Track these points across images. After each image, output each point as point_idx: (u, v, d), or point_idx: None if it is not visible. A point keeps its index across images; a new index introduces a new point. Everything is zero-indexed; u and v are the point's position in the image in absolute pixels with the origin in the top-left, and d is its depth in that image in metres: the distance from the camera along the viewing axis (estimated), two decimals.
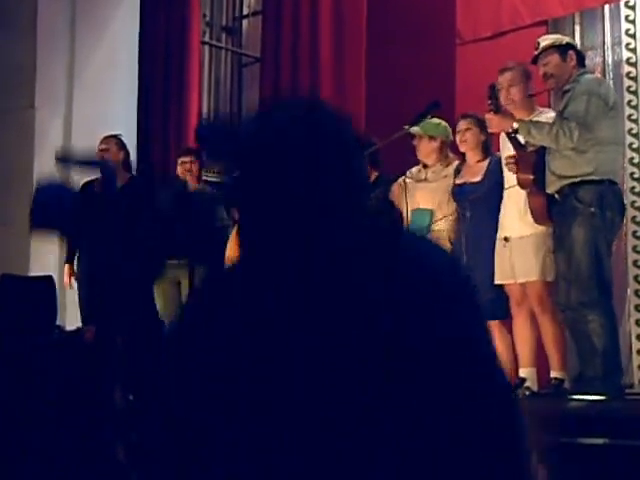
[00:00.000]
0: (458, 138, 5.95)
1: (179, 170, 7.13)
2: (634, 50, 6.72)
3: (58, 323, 3.37)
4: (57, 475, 3.00)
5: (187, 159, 7.08)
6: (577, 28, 7.05)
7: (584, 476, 3.20)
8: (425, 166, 6.14)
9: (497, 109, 5.25)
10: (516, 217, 5.42)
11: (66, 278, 6.83)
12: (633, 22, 6.75)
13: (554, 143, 4.95)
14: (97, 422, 3.12)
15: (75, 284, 6.87)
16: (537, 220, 5.25)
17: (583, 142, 4.89)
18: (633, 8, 6.77)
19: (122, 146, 7.04)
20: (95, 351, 3.19)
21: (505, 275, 5.61)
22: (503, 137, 5.63)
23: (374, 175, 6.45)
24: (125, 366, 3.25)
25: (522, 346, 5.64)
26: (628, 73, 6.71)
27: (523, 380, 5.47)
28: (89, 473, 3.04)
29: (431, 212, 5.96)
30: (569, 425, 3.46)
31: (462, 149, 5.97)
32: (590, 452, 3.27)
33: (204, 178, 8.83)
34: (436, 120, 6.02)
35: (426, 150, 6.11)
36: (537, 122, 5.14)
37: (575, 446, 3.31)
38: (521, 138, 5.18)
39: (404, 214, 6.13)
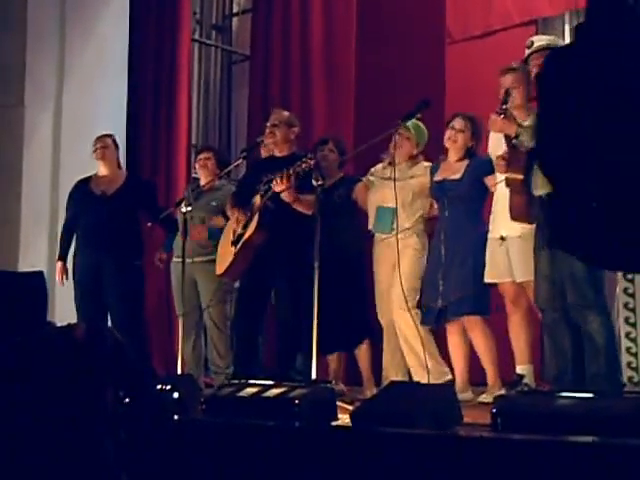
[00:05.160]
0: (448, 134, 5.96)
1: (196, 166, 7.22)
2: None
3: (48, 319, 3.36)
4: (47, 472, 2.99)
5: (203, 156, 7.13)
6: (567, 28, 7.06)
7: (573, 474, 3.21)
8: (390, 163, 6.11)
9: (505, 112, 5.23)
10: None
11: (58, 275, 6.78)
12: None
13: None
14: (88, 419, 3.11)
15: (66, 282, 6.82)
16: (514, 217, 5.23)
17: None
18: None
19: (117, 145, 7.06)
20: (86, 347, 3.18)
21: (501, 274, 5.61)
22: (493, 137, 5.64)
23: (338, 176, 6.50)
24: (117, 363, 3.24)
25: (518, 343, 5.67)
26: None
27: (521, 377, 5.50)
28: (79, 470, 3.04)
29: (394, 210, 5.96)
30: (560, 422, 3.47)
31: (448, 145, 5.98)
32: (579, 450, 3.28)
33: (193, 176, 8.90)
34: (424, 127, 6.07)
35: (407, 152, 6.14)
36: None
37: (565, 444, 3.32)
38: (515, 141, 5.16)
39: (369, 213, 6.20)
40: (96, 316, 6.54)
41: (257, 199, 6.02)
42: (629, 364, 6.28)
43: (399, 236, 5.92)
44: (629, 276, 6.44)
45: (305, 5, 8.55)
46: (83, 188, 6.90)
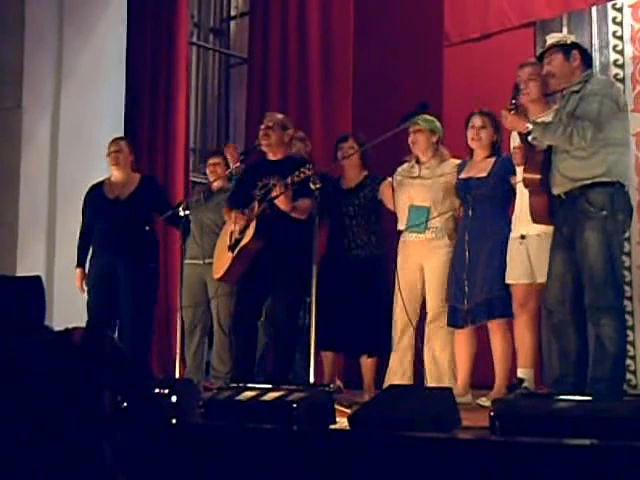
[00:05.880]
0: (471, 134, 5.91)
1: (207, 171, 7.30)
2: (621, 52, 6.74)
3: (47, 323, 3.36)
4: (45, 474, 2.99)
5: (212, 161, 7.25)
6: (565, 30, 7.06)
7: (571, 477, 3.21)
8: (418, 162, 6.13)
9: (516, 108, 5.21)
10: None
11: (78, 282, 6.76)
12: (620, 24, 6.77)
13: (567, 143, 4.89)
14: (85, 422, 3.11)
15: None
16: (536, 220, 5.20)
17: (594, 143, 4.85)
18: (620, 10, 6.79)
19: (132, 148, 7.01)
20: (84, 352, 3.18)
21: (518, 275, 5.57)
22: (514, 135, 5.62)
23: (363, 175, 6.46)
24: (114, 367, 3.24)
25: (522, 347, 5.62)
26: (616, 75, 6.73)
27: (521, 380, 5.48)
28: (77, 473, 3.03)
29: (428, 209, 5.95)
30: (558, 425, 3.47)
31: (473, 146, 5.93)
32: (578, 453, 3.28)
33: (192, 179, 8.93)
34: (430, 117, 6.03)
35: (425, 144, 6.08)
36: (550, 123, 5.09)
37: (563, 447, 3.32)
38: (531, 138, 5.13)
39: (396, 213, 6.13)
40: (107, 321, 6.54)
41: (255, 205, 6.01)
42: (627, 367, 6.28)
43: (430, 236, 5.93)
44: (627, 279, 6.45)
45: (303, 8, 8.55)
46: (97, 193, 6.87)
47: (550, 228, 5.19)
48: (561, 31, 7.02)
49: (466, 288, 5.76)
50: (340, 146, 6.50)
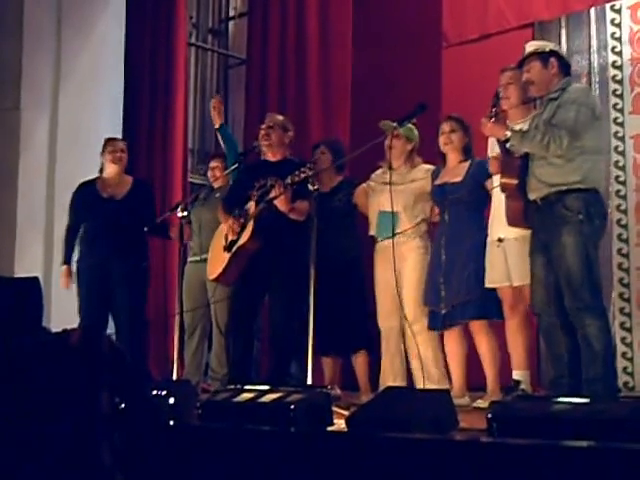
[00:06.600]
0: (442, 140, 5.96)
1: (209, 174, 7.39)
2: (620, 53, 6.74)
3: (44, 325, 3.36)
4: (44, 476, 2.99)
5: (212, 165, 7.35)
6: (563, 32, 7.06)
7: (568, 479, 3.21)
8: (390, 168, 6.14)
9: (495, 116, 5.25)
10: None
11: (64, 280, 6.74)
12: (619, 25, 6.77)
13: (544, 150, 4.95)
14: (83, 424, 3.11)
15: (73, 286, 6.78)
16: (512, 223, 5.25)
17: (570, 150, 4.91)
18: (619, 11, 6.79)
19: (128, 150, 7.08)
20: (82, 353, 3.18)
21: (500, 278, 5.60)
22: (492, 142, 5.63)
23: (337, 179, 6.49)
24: (112, 368, 3.24)
25: (516, 348, 5.65)
26: (614, 76, 6.73)
27: (518, 382, 5.50)
28: (75, 474, 3.03)
29: (394, 214, 5.94)
30: (556, 427, 3.47)
31: (445, 150, 5.97)
32: (575, 455, 3.28)
33: (190, 180, 8.94)
34: (411, 125, 6.05)
35: (400, 151, 6.13)
36: (527, 131, 5.13)
37: (560, 449, 3.32)
38: (509, 145, 5.17)
39: (370, 218, 6.18)
40: (99, 320, 6.53)
41: (251, 206, 6.01)
42: (624, 369, 6.30)
43: (402, 239, 5.93)
44: (625, 281, 6.46)
45: (301, 9, 8.54)
46: (89, 191, 6.84)
47: (527, 232, 5.23)
48: (559, 33, 7.03)
49: (443, 292, 5.79)
50: (314, 153, 6.55)
